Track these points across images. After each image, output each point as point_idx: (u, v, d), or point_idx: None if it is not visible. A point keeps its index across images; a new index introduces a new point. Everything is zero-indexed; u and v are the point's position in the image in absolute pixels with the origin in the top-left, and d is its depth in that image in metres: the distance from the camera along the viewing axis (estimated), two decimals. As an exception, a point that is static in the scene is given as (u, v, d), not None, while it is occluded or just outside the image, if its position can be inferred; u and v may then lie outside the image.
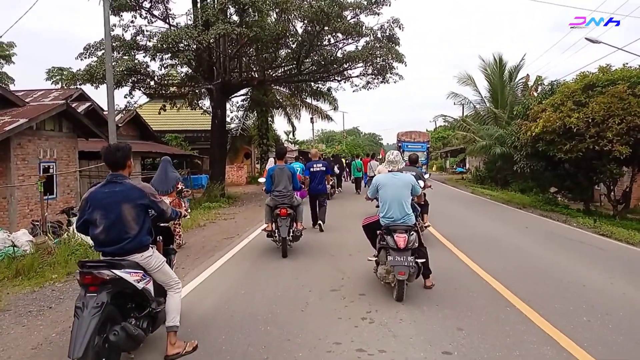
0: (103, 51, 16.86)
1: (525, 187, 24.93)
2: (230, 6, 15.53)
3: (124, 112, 21.37)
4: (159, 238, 4.31)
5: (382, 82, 22.20)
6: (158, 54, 15.67)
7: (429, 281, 5.94)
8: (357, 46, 19.91)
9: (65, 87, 21.68)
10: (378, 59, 20.55)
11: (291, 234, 7.86)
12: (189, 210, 13.98)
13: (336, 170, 20.59)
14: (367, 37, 19.59)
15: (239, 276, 6.61)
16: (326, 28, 17.20)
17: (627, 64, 15.41)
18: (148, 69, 18.36)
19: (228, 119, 26.60)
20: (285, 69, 22.48)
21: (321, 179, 10.79)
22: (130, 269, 3.61)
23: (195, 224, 11.07)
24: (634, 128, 13.12)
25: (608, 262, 7.83)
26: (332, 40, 19.19)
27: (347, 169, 27.58)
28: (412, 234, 5.39)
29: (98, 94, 60.32)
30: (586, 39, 19.14)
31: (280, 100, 31.93)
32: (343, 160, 29.59)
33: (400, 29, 18.98)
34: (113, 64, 15.43)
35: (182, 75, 22.32)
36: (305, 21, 16.87)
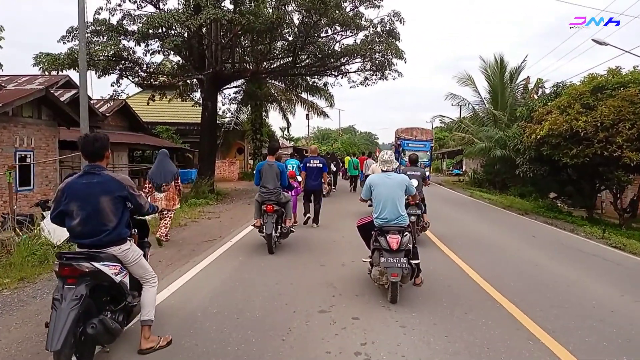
0: (87, 35, 16.00)
1: (524, 192, 24.28)
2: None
3: (111, 101, 20.41)
4: (134, 231, 4.19)
5: (380, 78, 21.43)
6: (143, 40, 14.73)
7: (418, 279, 5.88)
8: (355, 40, 19.12)
9: (47, 73, 20.69)
10: (377, 54, 19.79)
11: (279, 230, 7.91)
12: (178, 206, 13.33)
13: (332, 168, 20.29)
14: (366, 31, 18.79)
15: (214, 287, 5.79)
16: (324, 19, 16.35)
17: (637, 66, 14.70)
18: (136, 56, 17.45)
19: (220, 112, 25.71)
20: (281, 61, 21.64)
21: (317, 175, 10.61)
22: (109, 262, 3.54)
23: (176, 223, 10.16)
24: (645, 133, 12.43)
25: (630, 280, 7.07)
26: (330, 32, 18.33)
27: (343, 167, 26.91)
28: (406, 235, 5.34)
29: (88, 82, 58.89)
30: (593, 40, 18.46)
31: (275, 94, 31.03)
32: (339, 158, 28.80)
33: (401, 23, 18.20)
34: (97, 48, 14.65)
35: (173, 64, 21.38)
36: (302, 10, 16.00)
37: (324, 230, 10.20)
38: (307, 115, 40.84)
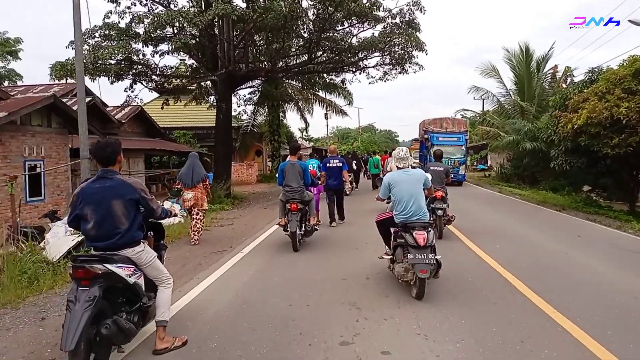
0: (96, 39, 15.54)
1: (556, 186, 22.94)
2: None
3: (126, 107, 20.01)
4: (150, 233, 4.32)
5: (400, 72, 20.46)
6: (151, 41, 14.13)
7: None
8: (373, 33, 18.20)
9: (65, 82, 20.39)
10: (396, 47, 18.86)
11: (303, 229, 7.99)
12: (184, 214, 12.66)
13: (354, 166, 20.68)
14: (384, 23, 17.87)
15: (223, 306, 5.07)
16: (339, 11, 15.50)
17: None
18: (147, 59, 16.93)
19: (235, 114, 25.08)
20: (297, 59, 20.89)
21: (337, 174, 10.81)
22: (122, 264, 3.59)
23: (184, 232, 9.50)
24: (699, 118, 11.22)
25: None
26: (346, 25, 17.45)
27: (365, 166, 26.53)
28: (430, 230, 5.33)
29: (103, 89, 59.19)
30: (630, 21, 17.23)
31: (292, 94, 30.30)
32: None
33: (421, 12, 17.21)
34: (104, 52, 14.12)
35: (187, 67, 20.82)
36: (316, 3, 15.18)
37: (348, 227, 10.47)
38: (326, 114, 40.14)
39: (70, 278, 3.53)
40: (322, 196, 10.94)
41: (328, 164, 10.83)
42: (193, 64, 19.79)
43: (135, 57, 15.69)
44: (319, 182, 10.25)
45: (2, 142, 12.42)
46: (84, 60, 14.07)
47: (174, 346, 3.93)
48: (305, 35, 18.32)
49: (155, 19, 12.33)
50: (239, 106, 25.09)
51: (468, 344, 4.02)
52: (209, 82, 20.62)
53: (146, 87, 19.41)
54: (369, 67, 20.66)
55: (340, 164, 10.87)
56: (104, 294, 3.41)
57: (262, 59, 19.69)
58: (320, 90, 27.75)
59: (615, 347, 3.90)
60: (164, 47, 15.60)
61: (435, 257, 5.20)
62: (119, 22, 15.70)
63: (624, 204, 18.55)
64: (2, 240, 8.81)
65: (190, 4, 15.55)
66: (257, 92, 25.61)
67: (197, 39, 16.19)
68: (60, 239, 7.81)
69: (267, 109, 30.51)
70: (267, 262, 7.03)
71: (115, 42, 13.91)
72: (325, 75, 23.15)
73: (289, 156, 8.62)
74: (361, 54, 19.53)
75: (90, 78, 16.70)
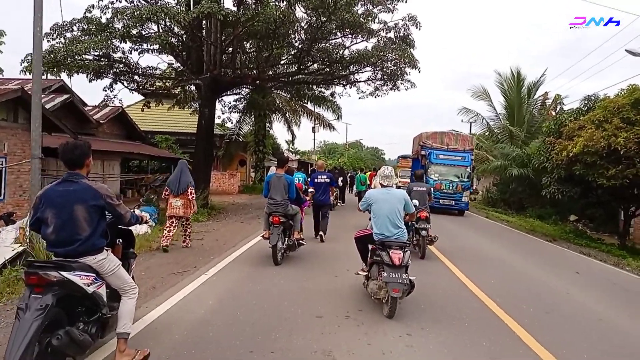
0: (75, 33, 14.63)
1: (542, 214, 22.52)
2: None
3: (102, 106, 19.05)
4: (119, 241, 4.18)
5: (391, 88, 19.92)
6: (129, 37, 13.27)
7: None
8: (366, 47, 17.64)
9: (24, 74, 19.33)
10: (389, 62, 18.33)
11: (286, 242, 7.86)
12: (154, 223, 11.72)
13: (340, 183, 20.67)
14: (377, 37, 17.34)
15: (181, 340, 4.21)
16: (333, 21, 14.87)
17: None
18: (127, 58, 16.07)
19: (219, 121, 24.25)
20: (286, 69, 20.23)
21: (325, 190, 10.85)
22: (81, 272, 3.41)
23: (146, 246, 8.52)
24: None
25: None
26: (339, 35, 16.85)
27: (352, 182, 26.52)
28: (407, 250, 5.34)
29: (83, 87, 57.71)
30: (627, 51, 16.97)
31: (280, 104, 29.59)
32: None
33: (417, 27, 16.68)
34: (79, 46, 13.20)
35: (170, 69, 19.96)
36: (309, 10, 14.54)
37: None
38: (313, 127, 39.38)
39: (25, 285, 3.34)
40: (307, 211, 10.67)
41: (316, 180, 10.90)
42: (178, 67, 19.00)
43: (114, 55, 14.81)
44: (307, 198, 10.10)
45: (-41, 135, 11.41)
46: (56, 54, 13.25)
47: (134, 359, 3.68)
48: (296, 44, 17.68)
49: (136, 12, 11.50)
50: (223, 113, 24.23)
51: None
52: (193, 87, 19.80)
53: (127, 87, 18.52)
54: (359, 82, 20.09)
55: (328, 180, 11.01)
56: (60, 303, 3.23)
57: (251, 66, 18.98)
58: (308, 102, 27.10)
59: None
60: (146, 45, 14.72)
61: (409, 277, 5.21)
62: (100, 17, 14.87)
63: (611, 236, 18.16)
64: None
65: (175, 1, 14.75)
66: (243, 100, 24.80)
67: (182, 39, 15.39)
68: (0, 248, 6.88)
69: (253, 119, 29.73)
70: (232, 287, 6.14)
71: (94, 37, 12.99)
72: (314, 87, 22.51)
73: (275, 168, 8.58)
74: (353, 67, 18.96)
75: (67, 74, 15.88)
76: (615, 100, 13.18)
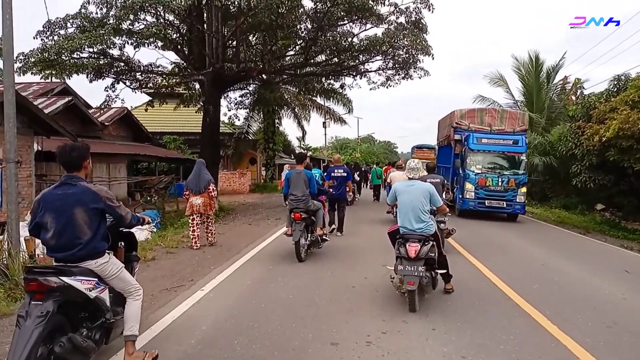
0: (71, 29, 13.96)
1: (568, 203, 21.30)
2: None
3: (104, 108, 18.42)
4: (121, 244, 4.07)
5: (404, 77, 18.94)
6: (120, 32, 12.51)
7: (449, 285, 5.94)
8: (376, 33, 16.69)
9: (50, 80, 18.76)
10: (400, 50, 17.35)
11: (308, 239, 7.81)
12: (156, 228, 11.01)
13: (356, 177, 20.60)
14: (387, 22, 16.37)
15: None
16: (339, 4, 13.96)
17: None
18: (126, 54, 15.40)
19: (225, 118, 23.50)
20: (293, 60, 19.37)
21: (341, 184, 10.78)
22: (82, 277, 3.33)
23: (142, 254, 7.72)
24: None
25: None
26: (347, 20, 15.92)
27: (367, 177, 26.10)
28: (428, 243, 5.28)
29: (88, 90, 57.45)
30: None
31: (288, 99, 28.73)
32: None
33: (429, 10, 15.67)
34: (71, 43, 12.48)
35: (174, 67, 19.24)
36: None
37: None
38: (324, 122, 38.49)
39: (25, 291, 3.34)
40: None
41: (333, 173, 10.86)
42: (181, 63, 18.28)
43: (111, 51, 14.11)
44: (330, 190, 10.23)
45: (-52, 141, 10.78)
46: (48, 52, 12.56)
47: None
48: (303, 34, 16.82)
49: (128, 1, 10.73)
50: (229, 109, 23.46)
51: None
52: (198, 85, 19.08)
53: (129, 87, 17.87)
54: (370, 72, 19.15)
55: (345, 174, 10.94)
56: (62, 309, 3.15)
57: (256, 59, 18.17)
58: (318, 96, 26.17)
59: None
60: (139, 39, 13.95)
61: (437, 271, 5.40)
62: (96, 12, 14.18)
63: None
64: None
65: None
66: (249, 96, 23.98)
67: (181, 31, 14.61)
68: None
69: (262, 115, 28.94)
70: (233, 304, 5.29)
71: (88, 34, 12.26)
72: (323, 79, 21.60)
73: (290, 166, 8.55)
74: (362, 56, 18.03)
75: (66, 75, 15.25)
76: (651, 78, 12.07)
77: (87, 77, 15.88)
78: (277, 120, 29.94)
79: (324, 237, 8.31)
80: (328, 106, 30.59)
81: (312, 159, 41.67)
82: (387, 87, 19.47)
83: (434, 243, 5.40)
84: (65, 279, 3.21)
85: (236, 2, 12.13)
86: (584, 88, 27.63)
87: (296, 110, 30.68)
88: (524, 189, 14.59)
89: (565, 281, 6.99)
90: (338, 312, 5.06)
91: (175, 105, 22.47)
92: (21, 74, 14.08)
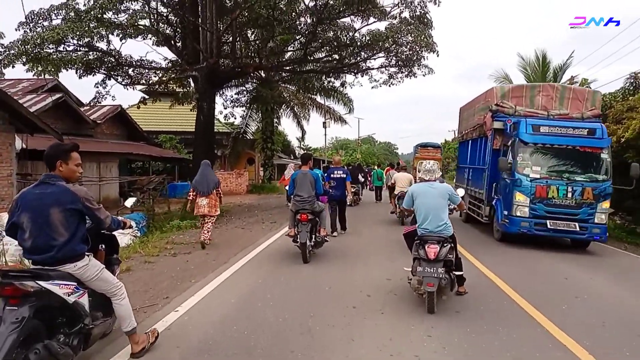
0: (57, 20, 13.21)
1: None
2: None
3: (92, 104, 17.70)
4: (102, 246, 3.94)
5: (407, 75, 18.19)
6: (101, 22, 11.76)
7: (462, 288, 5.83)
8: (378, 28, 15.94)
9: (44, 76, 18.00)
10: (404, 47, 16.59)
11: (313, 240, 7.76)
12: (140, 233, 10.27)
13: (360, 178, 20.63)
14: (390, 17, 15.64)
15: None
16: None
17: None
18: (117, 50, 14.67)
19: (222, 117, 22.80)
20: (292, 57, 18.65)
21: (341, 185, 10.85)
22: (60, 281, 3.22)
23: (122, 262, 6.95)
24: None
25: None
26: (347, 13, 15.16)
27: (369, 178, 25.72)
28: (446, 245, 5.27)
29: (80, 87, 56.76)
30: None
31: (287, 98, 27.96)
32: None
33: (435, 4, 14.91)
34: (52, 34, 11.73)
35: (167, 63, 18.49)
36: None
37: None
38: (324, 123, 37.75)
39: None
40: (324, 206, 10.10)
41: (332, 175, 10.91)
42: (175, 59, 17.54)
43: (98, 44, 13.37)
44: (331, 191, 10.23)
45: None
46: (28, 46, 11.80)
47: (150, 343, 3.83)
48: (302, 28, 16.07)
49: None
50: (225, 107, 22.72)
51: None
52: (190, 79, 18.33)
53: (120, 83, 17.13)
54: (372, 69, 18.39)
55: (345, 175, 10.98)
56: (39, 314, 3.03)
57: (253, 55, 17.42)
58: (317, 95, 25.42)
59: None
60: (123, 30, 13.18)
61: (455, 272, 5.38)
62: (84, 3, 13.42)
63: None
64: None
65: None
66: (246, 93, 23.23)
67: (173, 24, 13.86)
68: None
69: (260, 115, 28.19)
70: (210, 331, 4.41)
71: (72, 24, 11.51)
72: (323, 77, 20.84)
73: (294, 166, 8.38)
74: (364, 53, 17.28)
75: (53, 70, 14.52)
76: (673, 75, 11.29)
77: (76, 72, 15.23)
78: (275, 120, 29.17)
79: (325, 238, 8.28)
80: (328, 105, 29.92)
81: (313, 159, 41.04)
82: (389, 86, 18.76)
83: (452, 245, 5.38)
84: (42, 283, 3.10)
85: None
86: (590, 88, 26.87)
87: (295, 109, 29.94)
88: (606, 204, 9.74)
89: (593, 299, 6.15)
90: (336, 342, 4.26)
91: (171, 104, 21.78)
92: (2, 67, 13.37)
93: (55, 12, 12.75)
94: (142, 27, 15.06)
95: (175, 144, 26.68)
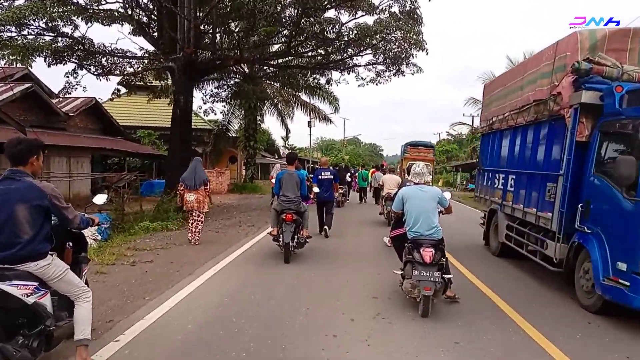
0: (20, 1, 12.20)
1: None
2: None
3: (61, 95, 16.65)
4: (69, 245, 3.77)
5: (395, 74, 17.58)
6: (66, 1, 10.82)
7: (450, 291, 5.69)
8: (366, 22, 15.26)
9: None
10: (392, 44, 15.95)
11: (295, 240, 7.81)
12: (101, 237, 9.35)
13: (348, 179, 20.82)
14: (379, 13, 14.96)
15: None
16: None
17: None
18: (82, 34, 13.73)
19: (201, 111, 21.89)
20: (275, 49, 17.85)
21: (328, 186, 10.87)
22: (19, 281, 3.11)
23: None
24: None
25: None
26: (333, 5, 14.42)
27: (354, 179, 25.05)
28: (440, 248, 5.31)
29: (51, 75, 55.16)
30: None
31: (271, 94, 27.11)
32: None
33: (427, -2, 14.22)
34: (22, 12, 10.73)
35: (143, 53, 17.51)
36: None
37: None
38: (309, 122, 37.02)
39: None
40: (310, 208, 9.99)
41: (320, 176, 10.89)
42: (154, 50, 16.59)
43: (64, 29, 12.38)
44: (311, 196, 9.97)
45: None
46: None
47: None
48: (286, 21, 15.27)
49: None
50: (205, 102, 21.79)
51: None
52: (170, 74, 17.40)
53: (93, 73, 16.09)
54: (359, 66, 17.70)
55: (332, 176, 11.08)
56: None
57: (234, 47, 16.56)
58: (302, 92, 24.63)
59: None
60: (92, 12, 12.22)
61: (444, 275, 5.25)
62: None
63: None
64: None
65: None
66: (227, 88, 22.31)
67: (147, 10, 12.94)
68: None
69: (243, 112, 27.28)
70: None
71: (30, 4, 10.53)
72: (308, 73, 20.06)
73: (280, 166, 7.87)
74: (351, 49, 16.57)
75: (18, 57, 13.49)
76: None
77: (45, 60, 14.24)
78: (259, 117, 28.28)
79: (307, 239, 8.32)
80: (313, 104, 29.19)
81: (298, 159, 40.26)
82: (376, 84, 18.12)
83: (443, 248, 5.40)
84: None
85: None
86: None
87: (279, 106, 29.09)
88: None
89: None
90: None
91: (148, 98, 20.81)
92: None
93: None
94: (116, 13, 14.12)
95: (155, 140, 25.64)
